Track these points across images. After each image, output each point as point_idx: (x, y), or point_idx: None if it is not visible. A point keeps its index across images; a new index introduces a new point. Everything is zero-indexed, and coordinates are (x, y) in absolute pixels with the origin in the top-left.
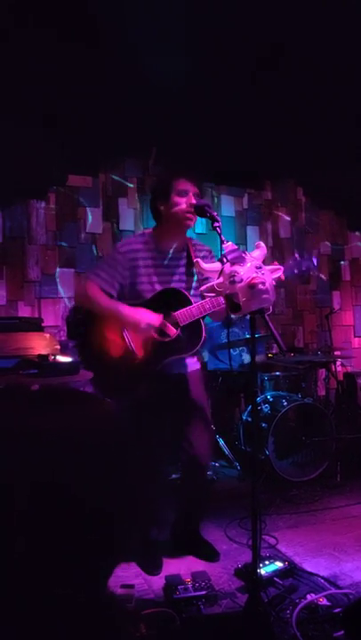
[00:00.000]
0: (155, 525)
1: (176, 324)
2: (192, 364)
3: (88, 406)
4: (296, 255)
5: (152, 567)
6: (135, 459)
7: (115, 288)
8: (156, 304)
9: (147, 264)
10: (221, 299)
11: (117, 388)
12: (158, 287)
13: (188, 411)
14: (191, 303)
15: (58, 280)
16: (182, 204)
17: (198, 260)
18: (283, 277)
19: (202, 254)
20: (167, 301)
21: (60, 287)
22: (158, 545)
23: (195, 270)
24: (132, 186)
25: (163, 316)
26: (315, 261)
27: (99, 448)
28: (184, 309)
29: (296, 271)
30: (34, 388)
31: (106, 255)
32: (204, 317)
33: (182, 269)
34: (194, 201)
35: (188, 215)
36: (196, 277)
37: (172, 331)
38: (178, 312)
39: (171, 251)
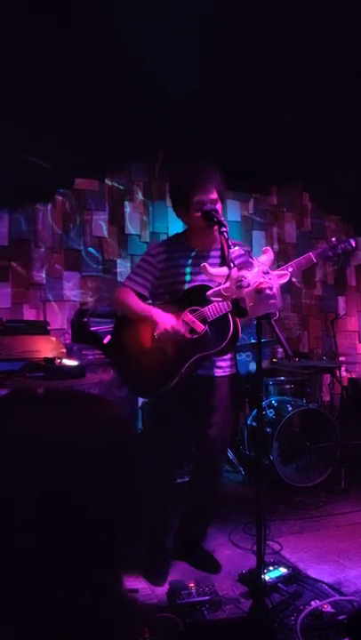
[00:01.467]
0: (162, 536)
1: (204, 320)
2: (223, 368)
3: (93, 409)
4: (333, 239)
5: (157, 578)
6: (139, 461)
7: (147, 289)
8: (187, 300)
9: (177, 264)
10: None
11: (147, 385)
12: (189, 285)
13: (208, 415)
14: None
15: (63, 283)
16: (200, 217)
17: (205, 264)
18: (313, 259)
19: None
20: (196, 298)
21: (65, 290)
22: (165, 556)
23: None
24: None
25: (189, 310)
26: (352, 242)
27: (103, 451)
28: (212, 304)
29: (330, 253)
30: (39, 392)
31: (139, 259)
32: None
33: (216, 266)
34: (206, 207)
35: (207, 230)
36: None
37: (200, 326)
38: (206, 308)
39: (201, 249)
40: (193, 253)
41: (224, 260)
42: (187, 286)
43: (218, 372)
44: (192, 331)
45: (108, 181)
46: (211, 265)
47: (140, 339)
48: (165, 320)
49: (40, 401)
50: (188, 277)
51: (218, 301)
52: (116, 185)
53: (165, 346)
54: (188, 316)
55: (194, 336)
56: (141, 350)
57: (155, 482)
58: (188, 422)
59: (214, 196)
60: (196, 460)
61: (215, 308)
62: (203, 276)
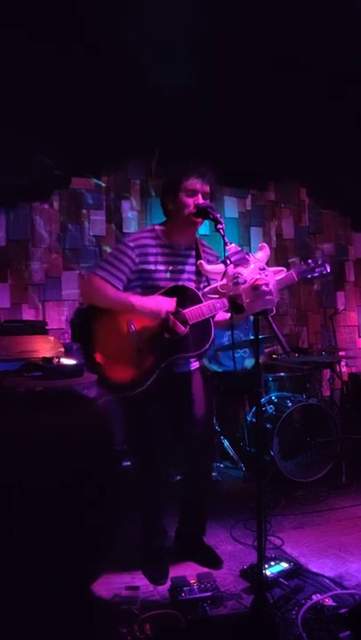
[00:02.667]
0: (161, 533)
1: (185, 322)
2: (197, 360)
3: (76, 407)
4: (310, 261)
5: (158, 577)
6: (119, 457)
7: (122, 281)
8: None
9: (157, 259)
10: None
11: (123, 385)
12: (168, 283)
13: (189, 410)
14: (201, 301)
15: (62, 283)
16: (190, 205)
17: (202, 261)
18: (295, 277)
19: (210, 258)
20: (179, 299)
21: (63, 290)
22: (164, 554)
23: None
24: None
25: (175, 306)
26: (327, 267)
27: (84, 445)
28: (194, 307)
29: (309, 276)
30: (19, 391)
31: (114, 248)
32: (213, 317)
33: (192, 267)
34: (201, 201)
35: (195, 217)
36: (205, 276)
37: (181, 328)
38: (188, 310)
39: (181, 247)
40: (173, 250)
41: (199, 259)
42: (164, 283)
43: (192, 367)
44: (171, 331)
45: (105, 180)
46: (185, 264)
47: (113, 333)
48: (154, 302)
49: (22, 399)
50: (167, 275)
51: (214, 298)
52: (113, 183)
53: (142, 342)
54: (170, 317)
55: (173, 337)
56: (115, 346)
57: (144, 482)
58: (170, 420)
59: (207, 188)
60: (185, 456)
61: (197, 312)
62: (186, 275)
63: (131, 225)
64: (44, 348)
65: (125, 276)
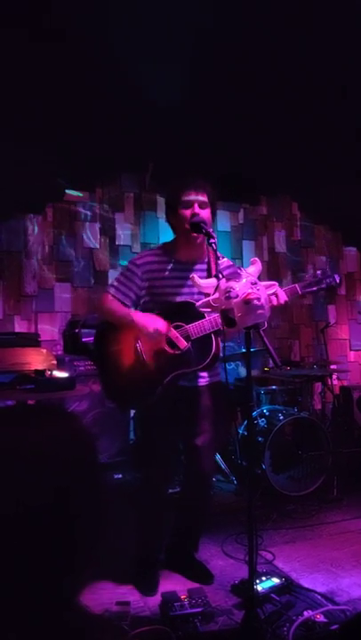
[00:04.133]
0: (154, 547)
1: (187, 337)
2: (204, 377)
3: (57, 422)
4: (318, 272)
5: (148, 589)
6: (100, 473)
7: (130, 299)
8: (171, 315)
9: (163, 276)
10: None
11: (129, 397)
12: (173, 299)
13: (194, 425)
14: (204, 317)
15: (54, 294)
16: (188, 216)
17: (194, 275)
18: (299, 291)
19: (222, 269)
20: (181, 314)
21: (56, 302)
22: (156, 567)
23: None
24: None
25: (173, 326)
26: (337, 278)
27: (64, 462)
28: (196, 323)
29: (315, 288)
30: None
31: (124, 267)
32: (216, 332)
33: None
34: (197, 211)
35: (194, 236)
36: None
37: (183, 343)
38: (190, 325)
39: (187, 262)
40: (179, 265)
41: (210, 274)
42: (171, 299)
43: (200, 382)
44: (174, 346)
45: (98, 193)
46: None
47: (121, 348)
48: (148, 321)
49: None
50: (173, 290)
51: (206, 312)
52: (106, 196)
53: (147, 357)
54: (172, 332)
55: (176, 352)
56: (123, 361)
57: (146, 494)
58: (174, 434)
59: (204, 197)
60: (185, 471)
61: (199, 327)
62: (188, 289)
63: (124, 237)
64: (36, 360)
65: (134, 294)
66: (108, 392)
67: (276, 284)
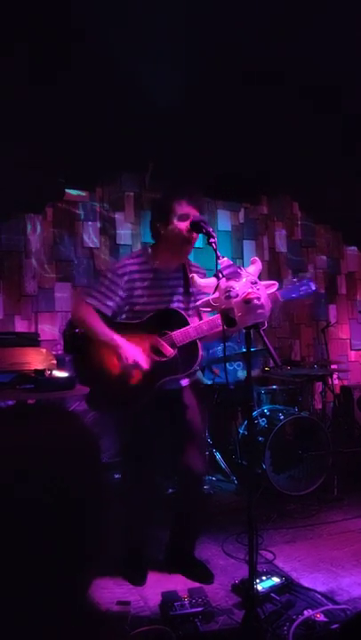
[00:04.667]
0: (140, 538)
1: (173, 345)
2: (185, 379)
3: (59, 422)
4: (295, 279)
5: (137, 579)
6: (105, 473)
7: (111, 309)
8: (153, 324)
9: (144, 285)
10: (219, 320)
11: (114, 403)
12: (156, 307)
13: (183, 424)
14: (188, 324)
15: (55, 294)
16: (183, 229)
17: (194, 275)
18: (280, 298)
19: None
20: (165, 321)
21: (56, 301)
22: (143, 557)
23: (192, 290)
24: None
25: (158, 334)
26: (311, 285)
27: (67, 461)
28: (181, 330)
29: (295, 295)
30: (5, 405)
31: (102, 276)
32: (201, 339)
33: (180, 289)
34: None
35: (189, 242)
36: (192, 297)
37: (169, 351)
38: (175, 332)
39: (167, 271)
40: (159, 274)
41: (187, 284)
42: (151, 307)
43: (182, 383)
44: (160, 354)
45: (98, 192)
46: (174, 287)
47: (106, 358)
48: (130, 352)
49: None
50: (154, 299)
51: (206, 312)
52: (107, 195)
53: (133, 365)
54: (157, 340)
55: (162, 359)
56: (108, 370)
57: (131, 492)
58: (160, 434)
59: (197, 212)
60: (177, 471)
61: (184, 334)
62: (169, 297)
63: (124, 237)
64: (36, 360)
65: (115, 304)
66: (92, 402)
67: (277, 283)
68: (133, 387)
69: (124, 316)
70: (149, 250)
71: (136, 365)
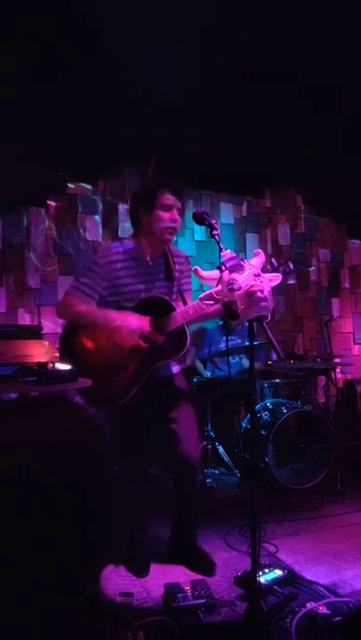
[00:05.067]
0: (139, 528)
1: (161, 331)
2: (175, 365)
3: (67, 413)
4: (273, 260)
5: (139, 569)
6: (113, 464)
7: (94, 299)
8: (140, 312)
9: (127, 274)
10: (203, 304)
11: (106, 395)
12: (140, 295)
13: (170, 410)
14: (174, 309)
15: (57, 287)
16: (166, 220)
17: (197, 267)
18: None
19: (179, 261)
20: (151, 309)
21: (59, 295)
22: (144, 547)
23: (175, 275)
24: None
25: (142, 337)
26: (290, 265)
27: (76, 453)
28: (168, 316)
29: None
30: (8, 398)
31: (84, 267)
32: (188, 323)
33: (162, 275)
34: (177, 217)
35: (170, 232)
36: (175, 282)
37: (158, 337)
38: (162, 319)
39: (149, 259)
40: (142, 263)
41: (169, 270)
42: (134, 296)
43: (173, 370)
44: (149, 341)
45: (101, 185)
46: (156, 274)
47: (95, 348)
48: (129, 319)
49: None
50: (137, 287)
51: (209, 304)
52: (109, 188)
53: (123, 354)
54: (150, 323)
55: (151, 346)
56: (98, 359)
57: (126, 483)
58: (152, 423)
59: (180, 204)
60: (170, 459)
61: (172, 320)
62: (151, 285)
63: (127, 230)
64: (38, 352)
65: (97, 293)
66: (85, 395)
67: (280, 276)
68: (127, 374)
69: (108, 305)
70: (131, 239)
71: (139, 329)
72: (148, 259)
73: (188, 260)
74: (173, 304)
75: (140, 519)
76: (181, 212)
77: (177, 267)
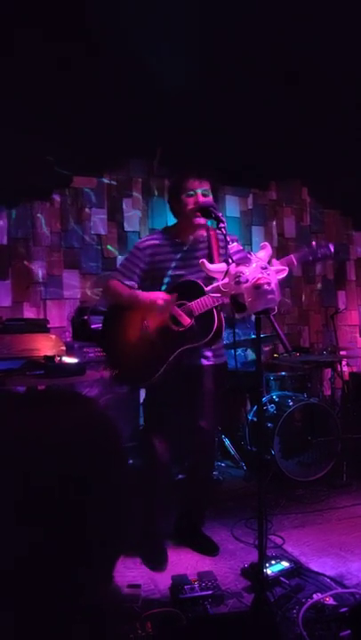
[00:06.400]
0: (158, 522)
1: (190, 314)
2: (208, 357)
3: (75, 406)
4: (313, 242)
5: (157, 564)
6: (124, 458)
7: (135, 281)
8: (174, 294)
9: (165, 258)
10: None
11: (136, 375)
12: (176, 280)
13: (198, 404)
14: (205, 294)
15: (63, 281)
16: (190, 204)
17: (204, 260)
18: (295, 261)
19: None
20: (184, 292)
21: (65, 288)
22: (162, 541)
23: (218, 258)
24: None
25: (176, 305)
26: (331, 248)
27: (86, 448)
28: (198, 299)
29: (311, 258)
30: (19, 391)
31: (128, 253)
32: (218, 308)
33: (204, 259)
34: (200, 199)
35: (196, 214)
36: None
37: (186, 320)
38: (192, 303)
39: (188, 243)
40: (181, 247)
41: (211, 256)
42: (173, 280)
43: (203, 362)
44: (178, 324)
45: (106, 179)
46: (195, 258)
47: (128, 329)
48: (152, 295)
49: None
50: (175, 272)
51: (216, 297)
52: (114, 182)
53: (154, 335)
54: (176, 310)
55: (180, 329)
56: (130, 340)
57: (149, 477)
58: (179, 418)
59: (207, 186)
60: (190, 451)
61: (201, 304)
62: (189, 270)
63: (132, 223)
64: (45, 346)
65: (137, 276)
66: (115, 372)
67: (287, 269)
68: (155, 355)
69: (149, 288)
70: (171, 226)
71: (158, 299)
72: (187, 242)
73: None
74: (206, 288)
75: (161, 515)
76: (212, 191)
77: (222, 251)
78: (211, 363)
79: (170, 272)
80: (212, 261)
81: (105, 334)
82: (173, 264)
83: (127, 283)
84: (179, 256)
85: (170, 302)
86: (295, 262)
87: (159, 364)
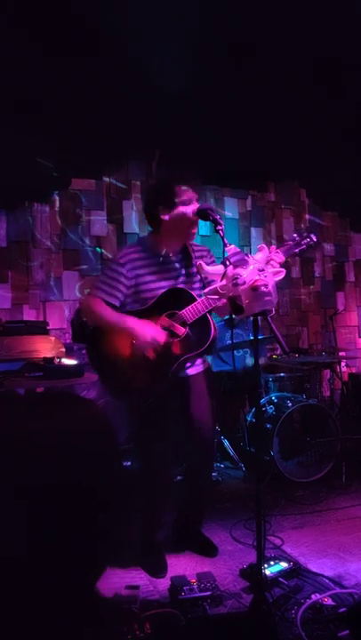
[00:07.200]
0: (158, 528)
1: (184, 323)
2: (196, 365)
3: (76, 408)
4: (295, 234)
5: (157, 570)
6: (119, 460)
7: (118, 299)
8: (161, 305)
9: (150, 271)
10: (207, 298)
11: (138, 393)
12: (161, 290)
13: (193, 411)
14: (196, 299)
15: (62, 283)
16: (189, 213)
17: (201, 262)
18: (283, 258)
19: (201, 254)
20: (173, 302)
21: (64, 290)
22: (162, 548)
23: (194, 270)
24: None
25: (167, 315)
26: (313, 237)
27: (84, 448)
28: (190, 306)
29: (297, 250)
30: (21, 393)
31: (106, 268)
32: (211, 313)
33: (183, 270)
34: (197, 205)
35: (195, 226)
36: (199, 276)
37: (181, 330)
38: (184, 310)
39: (169, 255)
40: (161, 259)
41: (189, 264)
42: (158, 292)
43: (192, 371)
44: (173, 334)
45: (105, 180)
46: (178, 269)
47: (120, 347)
48: (145, 330)
49: (22, 402)
50: (159, 284)
51: (214, 299)
52: (113, 184)
53: (148, 353)
54: (166, 321)
55: (175, 340)
56: (123, 359)
57: (145, 482)
58: (174, 422)
59: (197, 194)
60: (188, 454)
61: (193, 310)
62: (174, 282)
63: (131, 225)
64: (45, 348)
65: (122, 293)
66: (114, 393)
67: (285, 270)
68: (152, 371)
69: (131, 304)
70: (149, 237)
71: (154, 342)
72: (170, 255)
73: (210, 253)
74: (196, 296)
75: (160, 518)
76: (199, 200)
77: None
78: (200, 369)
79: (155, 285)
80: (189, 272)
81: (95, 356)
82: (158, 276)
83: (111, 302)
84: (162, 268)
85: (159, 342)
86: (283, 257)
87: (161, 378)
